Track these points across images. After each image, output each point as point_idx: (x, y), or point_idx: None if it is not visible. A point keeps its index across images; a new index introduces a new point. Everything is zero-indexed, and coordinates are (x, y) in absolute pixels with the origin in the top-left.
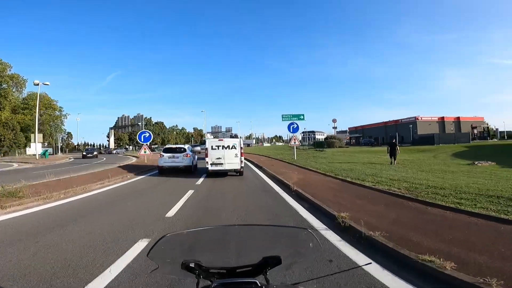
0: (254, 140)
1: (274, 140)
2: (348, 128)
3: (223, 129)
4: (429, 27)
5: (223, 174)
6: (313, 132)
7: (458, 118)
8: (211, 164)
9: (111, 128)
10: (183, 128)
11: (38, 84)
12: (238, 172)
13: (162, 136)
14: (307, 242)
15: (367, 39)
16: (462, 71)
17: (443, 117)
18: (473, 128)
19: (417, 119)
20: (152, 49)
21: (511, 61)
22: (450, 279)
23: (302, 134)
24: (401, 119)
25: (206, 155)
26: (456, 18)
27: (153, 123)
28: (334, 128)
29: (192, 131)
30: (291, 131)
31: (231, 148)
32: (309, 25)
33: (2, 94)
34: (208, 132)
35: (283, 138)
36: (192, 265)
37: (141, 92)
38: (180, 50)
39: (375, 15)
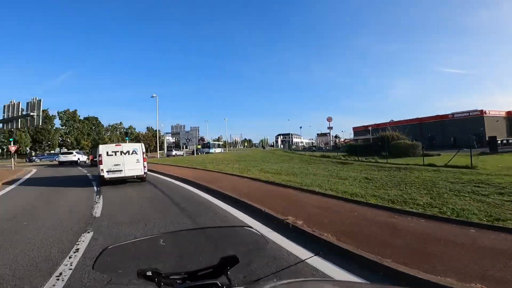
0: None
1: (245, 144)
2: (353, 128)
3: (187, 129)
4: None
5: (122, 181)
6: (287, 135)
7: None
8: (107, 171)
9: None
10: (130, 127)
11: None
12: (141, 179)
13: (95, 137)
14: (256, 239)
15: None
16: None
17: (510, 112)
18: None
19: (484, 113)
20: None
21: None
22: None
23: (280, 137)
24: (453, 114)
25: (100, 162)
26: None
27: (80, 118)
28: (330, 128)
29: (144, 131)
30: None
31: (131, 154)
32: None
33: None
34: (167, 133)
35: (253, 143)
36: (149, 273)
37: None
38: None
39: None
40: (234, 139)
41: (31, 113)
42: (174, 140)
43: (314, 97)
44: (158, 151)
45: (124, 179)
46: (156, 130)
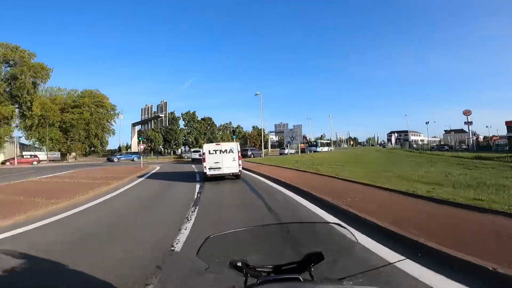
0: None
1: (351, 143)
2: (507, 122)
3: (290, 127)
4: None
5: (221, 178)
6: (404, 132)
7: None
8: (209, 168)
9: (133, 125)
10: (238, 127)
11: None
12: (236, 176)
13: (210, 136)
14: (344, 237)
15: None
16: None
17: None
18: None
19: None
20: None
21: None
22: None
23: (394, 134)
24: None
25: (204, 160)
26: None
27: (198, 119)
28: (468, 123)
29: (250, 130)
30: None
31: (229, 152)
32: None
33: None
34: (271, 132)
35: (359, 141)
36: (239, 264)
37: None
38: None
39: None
40: (339, 137)
41: (160, 114)
42: (278, 139)
43: (428, 90)
44: (263, 150)
45: (222, 176)
46: (260, 129)
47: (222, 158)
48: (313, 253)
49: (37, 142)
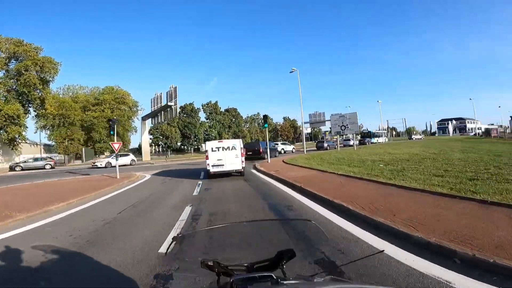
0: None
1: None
2: None
3: (326, 117)
4: None
5: (226, 175)
6: (460, 119)
7: None
8: (213, 165)
9: (143, 119)
10: (267, 117)
11: None
12: (240, 173)
13: (235, 129)
14: (315, 233)
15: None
16: None
17: None
18: None
19: None
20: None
21: None
22: None
23: (451, 123)
24: None
25: (207, 157)
26: None
27: (221, 110)
28: None
29: (281, 121)
30: None
31: (231, 149)
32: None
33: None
34: (306, 122)
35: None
36: (211, 263)
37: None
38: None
39: None
40: (381, 127)
41: (169, 103)
42: (311, 131)
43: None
44: (304, 143)
45: (226, 173)
46: (293, 120)
47: (225, 155)
48: (285, 250)
49: (55, 143)
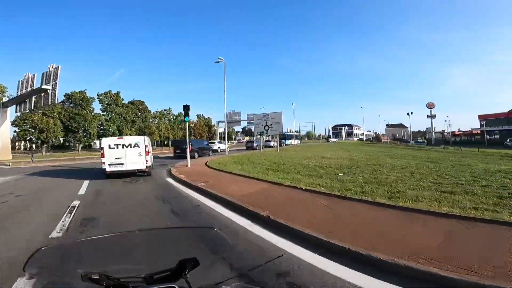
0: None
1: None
2: (480, 116)
3: (243, 116)
4: (434, 24)
5: (126, 175)
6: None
7: None
8: (109, 164)
9: (3, 105)
10: (180, 114)
11: None
12: (145, 173)
13: (141, 125)
14: (217, 240)
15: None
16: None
17: None
18: None
19: None
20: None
21: None
22: None
23: (345, 128)
24: None
25: (103, 155)
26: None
27: (123, 102)
28: (431, 116)
29: (195, 119)
30: None
31: (134, 147)
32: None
33: None
34: (220, 121)
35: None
36: (96, 276)
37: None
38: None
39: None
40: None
41: (44, 86)
42: (224, 130)
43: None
44: (227, 142)
45: (126, 173)
46: (207, 118)
47: (126, 153)
48: (188, 259)
49: None
